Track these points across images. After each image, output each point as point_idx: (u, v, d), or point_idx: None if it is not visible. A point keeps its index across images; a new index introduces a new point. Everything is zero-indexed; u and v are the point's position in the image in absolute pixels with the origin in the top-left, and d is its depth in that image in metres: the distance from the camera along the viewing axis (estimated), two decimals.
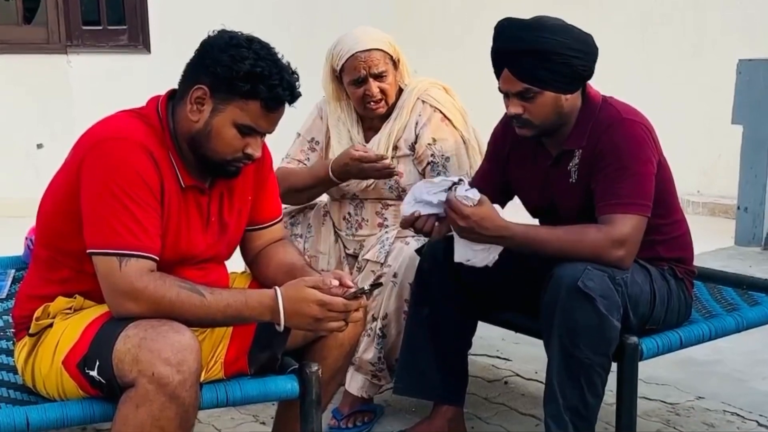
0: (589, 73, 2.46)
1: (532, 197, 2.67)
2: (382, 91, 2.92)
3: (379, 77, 2.90)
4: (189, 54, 2.16)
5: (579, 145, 2.49)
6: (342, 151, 2.90)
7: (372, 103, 2.93)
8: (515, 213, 2.73)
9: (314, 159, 3.11)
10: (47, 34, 7.06)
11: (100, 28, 7.23)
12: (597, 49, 2.45)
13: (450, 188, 2.40)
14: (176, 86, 2.13)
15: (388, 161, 2.84)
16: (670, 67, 6.61)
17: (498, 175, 2.70)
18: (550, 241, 2.39)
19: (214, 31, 2.08)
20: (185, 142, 2.08)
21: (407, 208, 2.48)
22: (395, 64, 2.96)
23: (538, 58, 2.38)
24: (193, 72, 2.06)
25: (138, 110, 2.12)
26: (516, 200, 2.76)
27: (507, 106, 2.49)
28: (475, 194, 2.38)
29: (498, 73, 2.48)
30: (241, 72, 1.98)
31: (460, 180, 2.42)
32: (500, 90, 2.49)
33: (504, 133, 2.68)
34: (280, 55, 2.06)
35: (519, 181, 2.68)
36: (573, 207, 2.52)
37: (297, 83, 2.06)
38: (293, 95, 2.05)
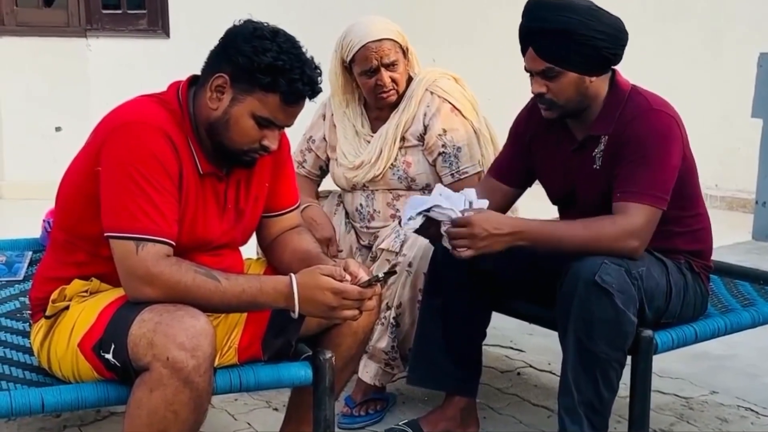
0: (616, 58, 2.44)
1: (554, 182, 2.65)
2: (394, 81, 2.92)
3: (390, 67, 2.90)
4: (208, 39, 2.16)
5: (605, 132, 2.48)
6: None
7: (383, 93, 2.93)
8: (533, 200, 2.73)
9: (310, 160, 3.14)
10: (67, 18, 7.10)
11: (120, 12, 7.26)
12: (626, 34, 2.43)
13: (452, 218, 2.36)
14: (196, 72, 2.13)
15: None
16: (687, 60, 6.56)
17: (519, 159, 2.69)
18: (566, 238, 2.38)
19: (239, 21, 2.08)
20: (204, 129, 2.08)
21: (408, 214, 2.40)
22: (404, 53, 2.95)
23: (562, 37, 2.37)
24: (216, 60, 2.06)
25: (158, 95, 2.12)
26: (534, 190, 2.76)
27: (532, 85, 2.48)
28: (483, 203, 2.37)
29: (524, 52, 2.47)
30: (262, 64, 1.98)
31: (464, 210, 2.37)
32: (526, 69, 2.48)
33: (528, 117, 2.67)
34: (304, 49, 2.05)
35: (542, 166, 2.67)
36: (594, 194, 2.50)
37: (319, 78, 2.05)
38: (314, 90, 2.05)
